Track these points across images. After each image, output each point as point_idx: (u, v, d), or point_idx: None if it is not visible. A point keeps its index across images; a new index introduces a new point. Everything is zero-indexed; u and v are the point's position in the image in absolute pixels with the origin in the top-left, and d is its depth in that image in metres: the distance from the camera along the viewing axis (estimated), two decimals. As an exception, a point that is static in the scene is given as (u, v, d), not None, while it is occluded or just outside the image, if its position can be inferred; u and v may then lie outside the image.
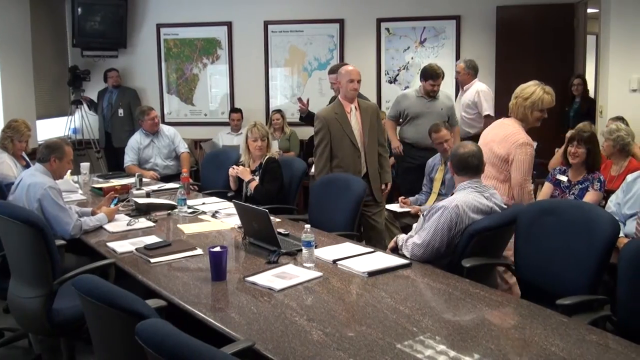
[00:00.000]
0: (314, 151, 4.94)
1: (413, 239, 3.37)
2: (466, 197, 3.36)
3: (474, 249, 3.30)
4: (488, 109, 6.28)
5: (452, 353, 2.12)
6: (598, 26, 7.42)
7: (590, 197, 4.21)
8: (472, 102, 6.36)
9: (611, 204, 3.97)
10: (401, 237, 3.50)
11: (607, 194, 4.46)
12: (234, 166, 4.95)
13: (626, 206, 3.84)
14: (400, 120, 6.11)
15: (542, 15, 7.56)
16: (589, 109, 7.08)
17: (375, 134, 4.95)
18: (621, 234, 3.49)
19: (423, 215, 3.46)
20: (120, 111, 8.04)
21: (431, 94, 5.89)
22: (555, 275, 3.17)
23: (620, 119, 6.03)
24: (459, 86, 6.87)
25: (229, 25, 8.38)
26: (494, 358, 2.08)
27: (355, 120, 4.84)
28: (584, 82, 7.40)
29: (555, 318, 2.44)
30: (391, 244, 3.55)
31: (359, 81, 4.82)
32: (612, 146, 4.96)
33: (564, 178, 4.43)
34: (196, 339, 1.62)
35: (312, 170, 5.32)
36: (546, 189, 4.50)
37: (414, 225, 3.63)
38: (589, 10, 7.85)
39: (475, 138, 5.15)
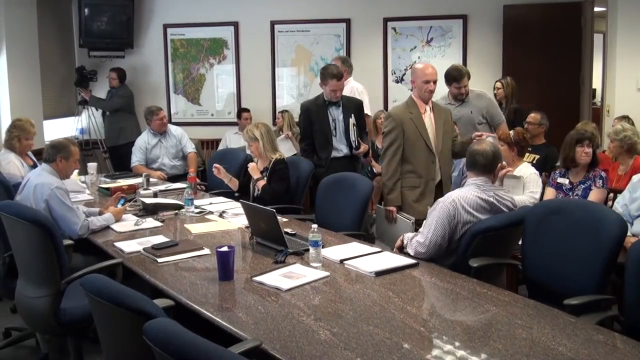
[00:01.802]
0: (383, 154, 4.63)
1: (416, 237, 3.38)
2: (465, 193, 3.40)
3: (480, 249, 3.30)
4: (366, 107, 5.94)
5: (460, 353, 2.11)
6: (605, 25, 7.41)
7: (594, 195, 4.19)
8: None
9: (618, 205, 3.95)
10: (407, 236, 3.50)
11: (614, 193, 4.45)
12: (216, 165, 4.93)
13: (633, 206, 3.83)
14: None
15: (548, 14, 7.54)
16: (513, 120, 6.28)
17: (450, 138, 4.64)
18: (629, 234, 3.48)
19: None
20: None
21: (459, 98, 5.32)
22: (562, 275, 3.16)
23: (626, 118, 6.01)
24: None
25: (235, 25, 8.39)
26: (502, 358, 2.08)
27: (429, 122, 4.53)
28: (507, 86, 6.89)
29: (563, 318, 2.44)
30: (398, 243, 3.55)
31: (435, 82, 4.52)
32: (620, 146, 4.94)
33: (565, 181, 4.41)
34: (204, 338, 1.62)
35: (382, 176, 4.80)
36: (549, 194, 4.47)
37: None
38: (596, 9, 7.82)
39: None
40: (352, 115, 5.23)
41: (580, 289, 2.89)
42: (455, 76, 5.28)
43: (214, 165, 4.93)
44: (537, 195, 4.49)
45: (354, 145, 5.24)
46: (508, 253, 3.62)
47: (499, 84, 6.92)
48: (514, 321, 2.41)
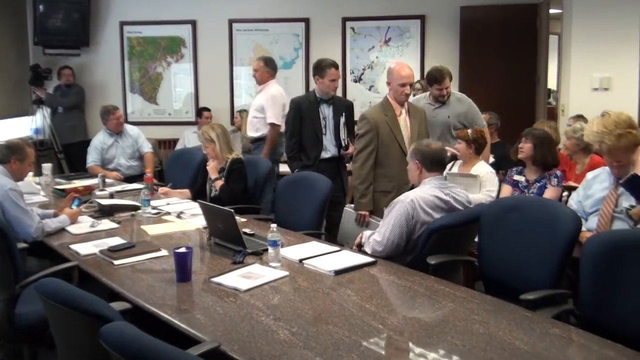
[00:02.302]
0: (355, 156, 4.46)
1: (374, 236, 3.41)
2: (423, 192, 3.45)
3: (436, 246, 3.35)
4: (272, 116, 5.85)
5: (418, 349, 2.14)
6: (560, 26, 7.56)
7: (549, 193, 4.27)
8: (260, 106, 5.95)
9: (572, 202, 4.03)
10: (365, 234, 3.53)
11: (569, 191, 4.54)
12: (162, 190, 4.86)
13: (588, 202, 3.91)
14: None
15: (505, 15, 7.66)
16: None
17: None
18: (583, 229, 3.56)
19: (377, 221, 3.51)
20: (60, 108, 7.97)
21: (440, 100, 5.06)
22: (518, 271, 3.21)
23: (581, 117, 6.14)
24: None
25: (193, 23, 8.33)
26: (459, 354, 2.11)
27: (404, 124, 4.42)
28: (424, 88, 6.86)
29: (519, 313, 2.48)
30: (357, 240, 3.57)
31: (411, 85, 4.41)
32: (576, 144, 5.05)
33: (521, 178, 4.48)
34: (162, 341, 1.61)
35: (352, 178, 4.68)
36: (505, 191, 4.54)
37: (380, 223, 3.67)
38: (552, 11, 7.98)
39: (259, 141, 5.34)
40: (343, 114, 5.13)
41: (536, 284, 2.95)
42: (436, 77, 5.03)
43: (160, 191, 4.86)
44: (494, 194, 4.55)
45: (343, 144, 5.10)
46: (464, 250, 3.67)
47: (418, 85, 6.97)
48: (471, 317, 2.45)
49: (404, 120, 4.41)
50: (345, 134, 5.11)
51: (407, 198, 3.41)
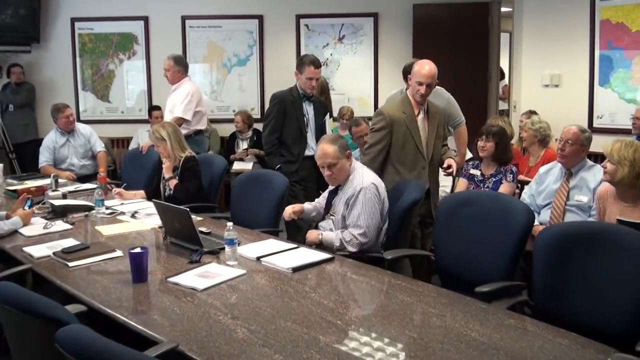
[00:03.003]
0: (365, 150, 4.34)
1: (354, 233, 3.47)
2: (374, 179, 3.64)
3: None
4: (181, 112, 5.76)
5: (377, 344, 2.16)
6: (511, 24, 7.70)
7: (504, 188, 4.36)
8: (175, 105, 5.85)
9: (525, 195, 4.13)
10: (330, 237, 3.56)
11: (522, 185, 4.64)
12: (116, 191, 4.75)
13: (540, 197, 4.01)
14: None
15: (457, 13, 7.77)
16: None
17: (440, 142, 4.33)
18: (536, 223, 3.65)
19: (330, 213, 3.52)
20: (11, 106, 7.82)
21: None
22: (474, 264, 3.28)
23: (533, 112, 6.29)
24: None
25: (145, 20, 8.24)
26: (417, 346, 2.14)
27: (422, 125, 4.20)
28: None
29: (475, 305, 2.53)
30: (313, 239, 3.61)
31: (429, 86, 4.09)
32: (534, 136, 5.18)
33: (477, 172, 4.56)
34: (119, 343, 1.60)
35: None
36: (461, 184, 4.63)
37: (324, 225, 3.68)
38: (503, 9, 8.12)
39: (187, 138, 5.14)
40: (328, 114, 5.08)
41: (491, 277, 3.00)
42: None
43: (115, 192, 4.77)
44: (448, 189, 4.64)
45: None
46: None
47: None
48: (428, 310, 2.49)
49: (421, 121, 4.20)
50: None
51: (366, 184, 3.53)
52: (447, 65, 7.49)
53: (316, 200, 4.04)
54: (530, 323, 2.36)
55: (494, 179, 4.47)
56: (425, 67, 4.08)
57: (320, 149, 3.66)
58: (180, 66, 5.92)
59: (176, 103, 5.80)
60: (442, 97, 5.00)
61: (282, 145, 5.00)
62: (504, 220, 3.20)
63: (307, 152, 5.00)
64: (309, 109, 5.06)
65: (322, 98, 5.54)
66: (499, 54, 8.27)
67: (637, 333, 2.40)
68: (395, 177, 4.11)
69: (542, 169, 4.15)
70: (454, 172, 4.28)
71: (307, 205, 3.97)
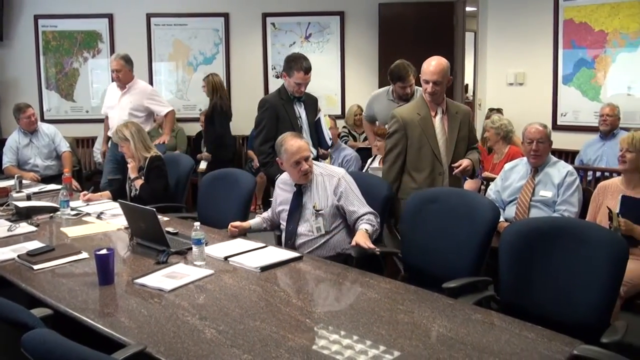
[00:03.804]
0: (384, 158, 4.11)
1: (364, 215, 3.46)
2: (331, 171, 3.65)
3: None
4: (166, 105, 5.93)
5: (345, 341, 2.17)
6: (476, 24, 7.79)
7: (469, 185, 4.42)
8: (139, 105, 5.83)
9: (491, 192, 4.19)
10: (366, 229, 3.39)
11: (487, 182, 4.70)
12: (83, 195, 4.66)
13: (505, 193, 4.07)
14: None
15: (422, 12, 7.84)
16: (212, 116, 6.89)
17: (465, 146, 4.01)
18: (501, 219, 3.71)
19: (317, 209, 3.51)
20: None
21: (404, 97, 4.81)
22: (440, 261, 3.31)
23: (498, 110, 6.38)
24: (121, 86, 5.98)
25: (110, 17, 8.14)
26: (385, 343, 2.15)
27: (440, 127, 3.92)
28: (209, 83, 7.00)
29: (442, 301, 2.56)
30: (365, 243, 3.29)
31: (435, 83, 3.82)
32: (496, 134, 5.25)
33: None
34: (86, 347, 1.59)
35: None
36: None
37: (303, 230, 3.60)
38: (468, 9, 8.22)
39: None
40: (320, 111, 4.82)
41: (457, 273, 3.04)
42: (399, 75, 4.75)
43: (82, 195, 4.67)
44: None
45: (329, 144, 4.82)
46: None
47: (202, 83, 7.07)
48: (396, 307, 2.51)
49: (439, 122, 3.92)
50: (330, 134, 4.81)
51: (340, 173, 3.58)
52: (412, 63, 7.55)
53: (266, 213, 3.92)
54: (496, 317, 2.40)
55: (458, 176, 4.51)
56: (431, 64, 3.84)
57: (296, 144, 3.51)
58: (130, 65, 5.85)
59: (145, 103, 5.72)
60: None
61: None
62: (470, 217, 3.25)
63: None
64: (300, 110, 4.77)
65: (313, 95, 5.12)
66: (464, 53, 8.36)
67: (601, 325, 2.47)
68: (412, 184, 3.91)
69: (507, 166, 4.22)
70: (460, 171, 3.88)
71: (255, 220, 3.85)
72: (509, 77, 6.99)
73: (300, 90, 4.63)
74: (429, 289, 2.70)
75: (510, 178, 4.10)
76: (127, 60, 5.82)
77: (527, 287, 2.82)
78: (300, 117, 4.73)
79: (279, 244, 3.71)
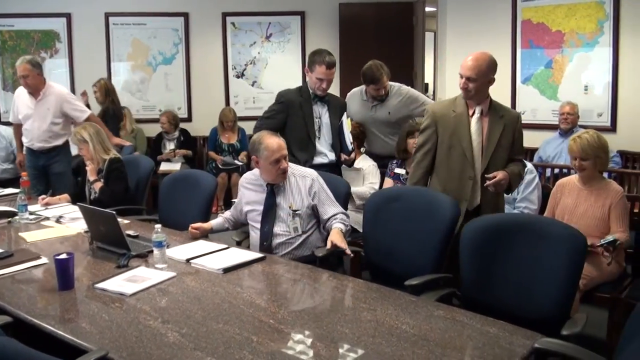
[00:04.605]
0: (414, 154, 3.83)
1: (338, 215, 3.52)
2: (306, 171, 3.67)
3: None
4: (85, 110, 5.61)
5: (309, 341, 2.18)
6: (435, 24, 7.87)
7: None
8: (57, 112, 5.51)
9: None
10: (341, 227, 3.46)
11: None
12: (41, 199, 4.57)
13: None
14: None
15: (382, 12, 7.90)
16: (104, 117, 6.71)
17: (505, 155, 3.57)
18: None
19: (294, 209, 3.50)
20: None
21: (378, 98, 4.79)
22: (402, 258, 3.35)
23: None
24: (34, 93, 5.52)
25: (67, 16, 8.00)
26: (349, 341, 2.17)
27: (477, 128, 3.56)
28: (101, 87, 7.02)
29: (405, 298, 2.59)
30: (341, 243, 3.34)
31: (469, 79, 3.48)
32: None
33: (402, 171, 4.64)
34: (47, 354, 1.57)
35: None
36: (387, 184, 4.70)
37: (279, 230, 3.57)
38: (427, 9, 8.30)
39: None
40: (345, 114, 4.52)
41: (419, 270, 3.07)
42: (372, 77, 4.68)
43: (41, 199, 4.59)
44: (377, 186, 4.70)
45: (350, 148, 4.46)
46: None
47: (94, 88, 7.04)
48: (359, 305, 2.53)
49: (476, 122, 3.57)
50: (351, 138, 4.51)
51: (313, 174, 3.61)
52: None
53: (227, 212, 3.87)
54: (458, 313, 2.42)
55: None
56: (469, 58, 3.52)
57: (276, 142, 3.49)
58: (39, 69, 5.43)
59: (63, 108, 5.51)
60: (402, 93, 4.85)
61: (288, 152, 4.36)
62: (431, 215, 3.29)
63: (321, 160, 4.45)
64: (321, 111, 4.47)
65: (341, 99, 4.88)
66: (424, 53, 8.44)
67: (561, 318, 2.52)
68: (437, 186, 3.64)
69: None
70: (492, 184, 3.46)
71: (217, 220, 3.80)
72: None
73: (322, 87, 4.35)
74: (391, 286, 2.72)
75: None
76: (35, 65, 5.41)
77: (489, 282, 2.87)
78: (319, 117, 4.46)
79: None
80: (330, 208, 3.54)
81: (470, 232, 2.96)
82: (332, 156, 4.46)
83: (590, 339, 3.50)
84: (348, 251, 3.26)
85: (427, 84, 9.85)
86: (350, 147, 4.45)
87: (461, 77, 3.51)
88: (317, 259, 3.30)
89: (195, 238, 3.58)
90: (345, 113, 4.52)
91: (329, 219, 3.51)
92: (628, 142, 6.18)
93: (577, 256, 2.67)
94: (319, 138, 4.44)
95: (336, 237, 3.28)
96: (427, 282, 2.95)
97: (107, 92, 6.82)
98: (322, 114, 4.47)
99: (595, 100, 6.39)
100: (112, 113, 6.51)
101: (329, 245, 3.30)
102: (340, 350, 2.10)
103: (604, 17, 6.23)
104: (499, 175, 3.43)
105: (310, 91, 4.42)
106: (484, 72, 3.47)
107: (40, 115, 5.41)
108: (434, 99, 8.45)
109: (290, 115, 4.38)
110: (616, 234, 3.48)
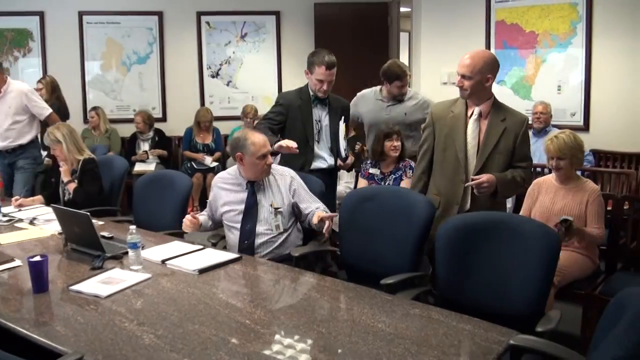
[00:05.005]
0: (417, 155, 3.77)
1: (322, 208, 3.56)
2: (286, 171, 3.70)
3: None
4: (45, 107, 5.58)
5: (287, 341, 2.19)
6: (410, 24, 7.91)
7: (406, 184, 4.48)
8: (20, 108, 5.48)
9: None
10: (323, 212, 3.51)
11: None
12: (15, 200, 4.52)
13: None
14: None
15: (357, 12, 7.93)
16: None
17: (504, 160, 3.41)
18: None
19: (276, 207, 3.50)
20: None
21: (398, 97, 4.73)
22: (378, 258, 3.36)
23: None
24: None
25: (41, 15, 7.89)
26: (325, 341, 2.18)
27: (474, 129, 3.44)
28: (47, 84, 6.87)
29: (381, 297, 2.60)
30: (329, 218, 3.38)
31: (464, 76, 3.36)
32: None
33: (376, 171, 4.67)
34: (22, 358, 1.55)
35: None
36: (362, 184, 4.73)
37: (262, 229, 3.55)
38: (402, 9, 8.34)
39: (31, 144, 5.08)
40: (343, 117, 4.30)
41: (395, 269, 3.09)
42: (398, 74, 4.64)
43: (14, 200, 4.53)
44: (352, 185, 4.71)
45: (343, 155, 4.30)
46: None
47: (39, 84, 6.94)
48: (336, 305, 2.55)
49: (474, 123, 3.44)
50: (346, 143, 4.35)
51: (291, 172, 3.65)
52: (348, 63, 7.63)
53: (205, 212, 3.83)
54: (434, 311, 2.44)
55: (394, 176, 4.59)
56: (465, 55, 3.40)
57: (261, 138, 3.51)
58: (1, 68, 5.48)
59: (26, 105, 5.47)
60: (417, 96, 4.83)
61: (283, 156, 4.25)
62: (407, 214, 3.31)
63: (320, 165, 4.29)
64: (321, 114, 4.29)
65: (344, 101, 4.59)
66: (399, 53, 8.48)
67: (536, 315, 2.55)
68: (433, 189, 3.58)
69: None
70: (475, 185, 3.32)
71: (204, 217, 3.77)
72: (442, 77, 7.13)
73: (323, 88, 4.16)
74: (367, 286, 2.74)
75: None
76: None
77: (464, 280, 2.89)
78: (319, 120, 4.28)
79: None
80: (312, 203, 3.57)
81: (445, 230, 2.98)
82: (331, 160, 4.32)
83: (564, 335, 3.54)
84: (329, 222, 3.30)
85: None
86: (344, 153, 4.30)
87: (458, 74, 3.41)
88: (293, 258, 3.31)
89: (186, 227, 3.61)
90: (343, 118, 4.31)
91: (309, 213, 3.54)
92: (600, 141, 6.28)
93: (550, 254, 2.71)
94: (318, 142, 4.28)
95: (321, 213, 3.38)
96: (403, 281, 2.97)
97: (53, 89, 6.73)
98: (322, 117, 4.30)
99: (568, 100, 6.47)
100: (57, 110, 6.42)
101: (315, 220, 3.36)
102: (317, 350, 2.11)
103: (577, 19, 6.31)
104: (483, 177, 3.29)
105: (311, 93, 4.25)
106: (480, 70, 3.34)
107: (2, 113, 5.43)
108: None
109: (289, 118, 4.23)
110: (592, 229, 3.57)
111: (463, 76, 3.35)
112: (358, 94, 5.11)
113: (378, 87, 4.89)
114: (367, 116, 4.88)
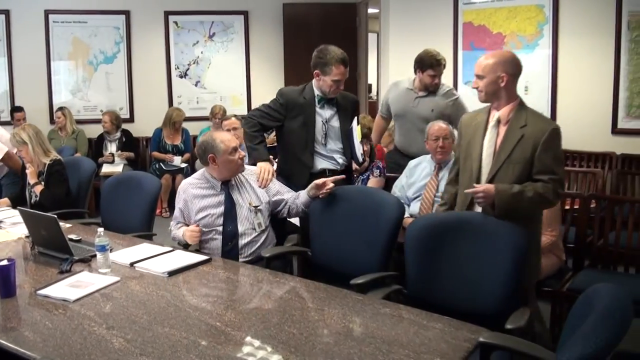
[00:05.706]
0: None
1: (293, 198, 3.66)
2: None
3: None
4: None
5: (257, 342, 2.19)
6: (378, 25, 7.96)
7: (373, 183, 4.52)
8: None
9: (396, 189, 4.30)
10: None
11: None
12: None
13: (410, 190, 4.18)
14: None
15: (326, 13, 7.97)
16: None
17: (520, 172, 2.98)
18: (407, 215, 3.81)
19: (255, 206, 3.51)
20: None
21: (430, 89, 4.55)
22: (348, 258, 3.37)
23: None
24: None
25: (6, 13, 7.76)
26: (297, 341, 2.18)
27: (491, 137, 3.10)
28: None
29: (352, 297, 2.61)
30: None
31: (477, 76, 3.08)
32: (390, 136, 5.39)
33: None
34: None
35: None
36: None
37: (246, 231, 3.53)
38: (370, 10, 8.39)
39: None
40: (356, 119, 4.00)
41: (365, 269, 3.10)
42: (432, 62, 4.46)
43: None
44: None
45: (360, 159, 4.07)
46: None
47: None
48: (307, 305, 2.55)
49: (491, 131, 3.11)
50: (362, 148, 4.09)
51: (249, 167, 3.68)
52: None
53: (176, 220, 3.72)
54: (404, 310, 2.46)
55: (362, 177, 4.61)
56: (481, 57, 3.14)
57: (227, 134, 3.61)
58: None
59: None
60: (451, 98, 4.64)
61: (283, 158, 4.07)
62: (376, 214, 3.33)
63: (326, 165, 3.95)
64: (328, 114, 3.94)
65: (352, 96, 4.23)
66: (367, 54, 8.52)
67: (505, 313, 2.58)
68: (458, 198, 3.27)
69: (412, 163, 4.33)
70: (472, 194, 2.99)
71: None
72: (411, 78, 7.16)
73: (338, 88, 3.83)
74: (338, 285, 2.75)
75: (414, 175, 4.21)
76: None
77: (433, 279, 2.92)
78: (326, 122, 3.91)
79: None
80: (290, 192, 3.66)
81: (414, 230, 3.01)
82: (342, 161, 3.97)
83: (533, 332, 3.59)
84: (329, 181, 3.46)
85: (370, 85, 9.95)
86: (360, 157, 4.05)
87: (475, 76, 3.15)
88: (264, 259, 3.31)
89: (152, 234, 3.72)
90: (355, 118, 3.99)
91: (286, 203, 3.65)
92: (567, 141, 6.30)
93: (519, 252, 2.74)
94: (326, 145, 3.91)
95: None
96: (373, 280, 2.99)
97: None
98: (330, 119, 3.93)
99: (535, 100, 6.53)
100: None
101: (312, 191, 3.53)
102: (289, 351, 2.11)
103: (544, 20, 6.40)
104: (479, 187, 2.94)
105: (316, 93, 3.90)
106: (492, 68, 3.06)
107: None
108: (377, 99, 8.56)
109: (287, 118, 3.88)
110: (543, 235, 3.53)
111: (477, 76, 3.10)
112: (393, 81, 5.00)
113: (413, 77, 4.72)
114: (395, 105, 4.81)
